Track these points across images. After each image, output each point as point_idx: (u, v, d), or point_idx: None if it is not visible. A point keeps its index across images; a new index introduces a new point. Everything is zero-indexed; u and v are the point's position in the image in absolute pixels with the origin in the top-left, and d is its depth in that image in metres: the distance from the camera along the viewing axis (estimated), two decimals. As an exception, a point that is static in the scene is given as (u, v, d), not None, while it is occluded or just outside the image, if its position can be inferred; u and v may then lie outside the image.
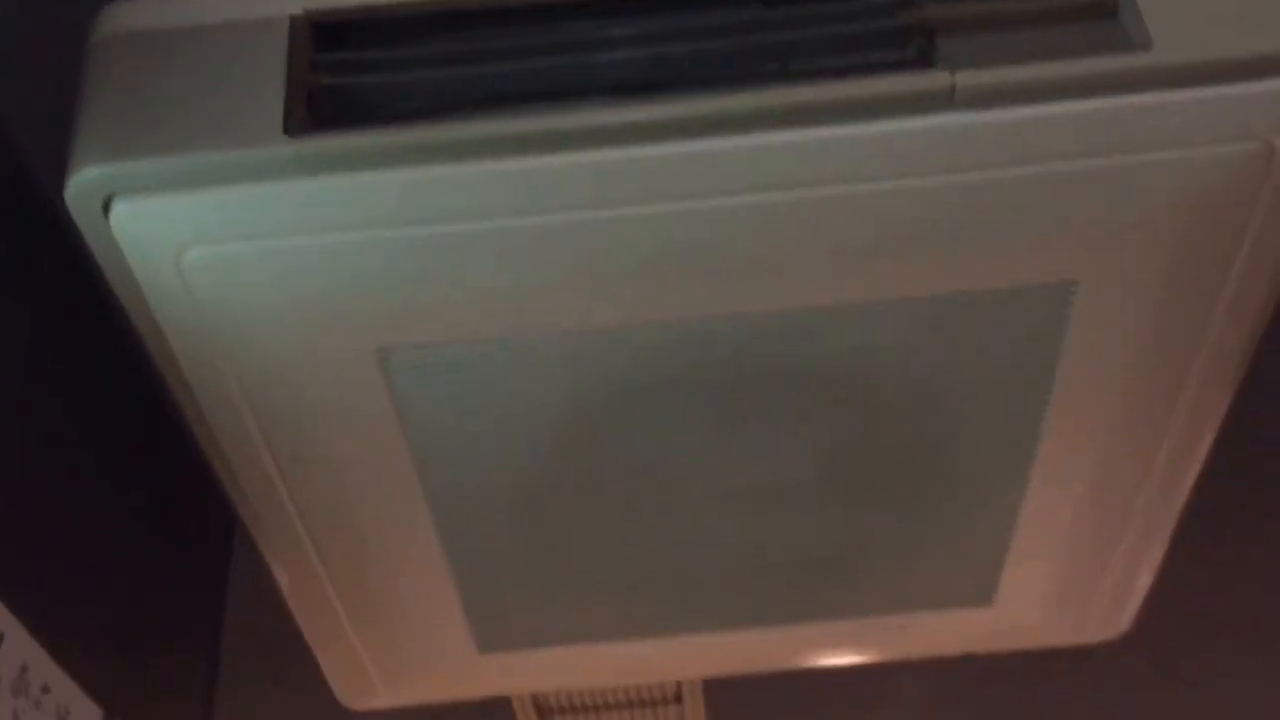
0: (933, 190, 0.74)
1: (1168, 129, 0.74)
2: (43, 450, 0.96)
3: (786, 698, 1.31)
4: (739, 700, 1.32)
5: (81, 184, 0.70)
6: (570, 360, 0.82)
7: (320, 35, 0.75)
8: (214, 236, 0.72)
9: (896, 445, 0.91)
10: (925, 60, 0.73)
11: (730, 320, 0.81)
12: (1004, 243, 0.78)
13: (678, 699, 1.36)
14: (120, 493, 1.08)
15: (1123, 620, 1.15)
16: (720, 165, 0.72)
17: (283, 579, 0.96)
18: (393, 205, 0.72)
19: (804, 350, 0.84)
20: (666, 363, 0.84)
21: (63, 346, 1.00)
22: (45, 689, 0.94)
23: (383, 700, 1.08)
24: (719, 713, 1.35)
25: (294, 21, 0.74)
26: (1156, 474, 0.99)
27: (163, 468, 1.13)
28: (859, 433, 0.90)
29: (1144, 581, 1.11)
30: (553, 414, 0.85)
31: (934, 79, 0.71)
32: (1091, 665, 1.21)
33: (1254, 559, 1.19)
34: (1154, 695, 1.26)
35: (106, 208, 0.71)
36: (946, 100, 0.72)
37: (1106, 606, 1.13)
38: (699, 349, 0.83)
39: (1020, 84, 0.72)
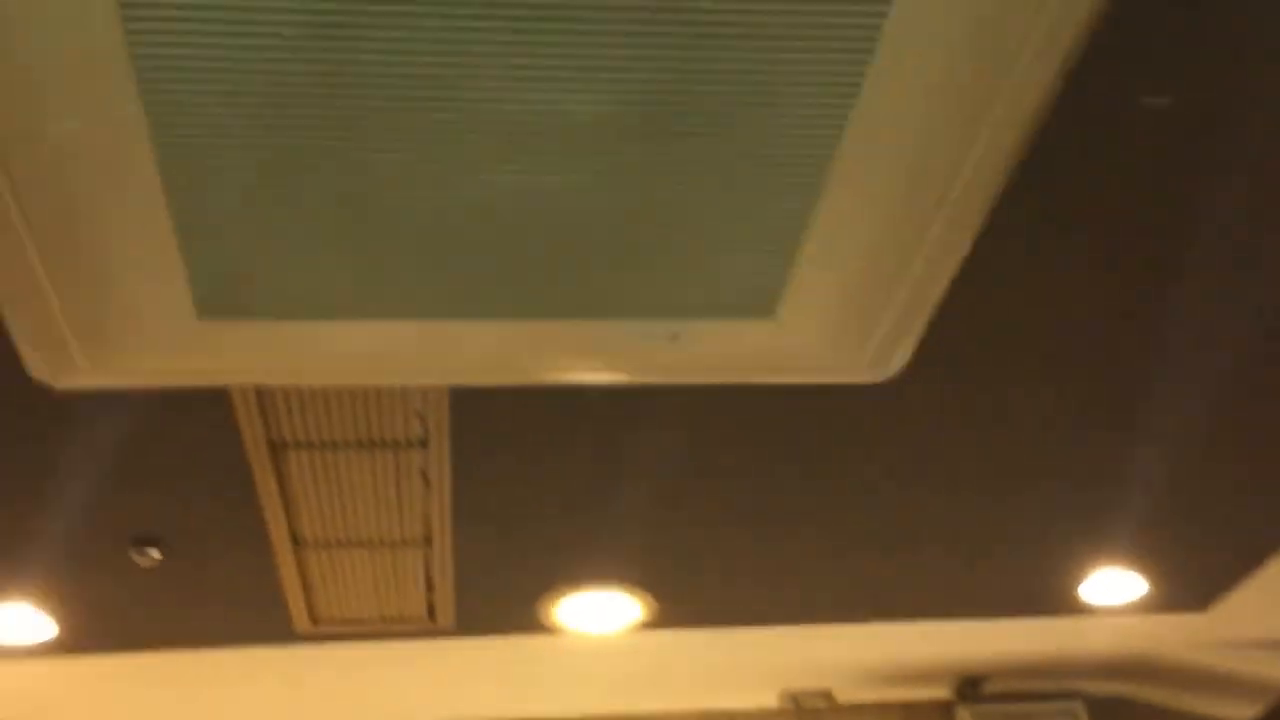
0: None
1: None
2: None
3: (535, 444, 1.23)
4: (483, 448, 1.24)
5: None
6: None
7: None
8: None
9: (705, 84, 0.83)
10: None
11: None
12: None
13: (423, 443, 1.27)
14: None
15: (897, 361, 1.09)
16: None
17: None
18: None
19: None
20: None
21: None
22: None
23: (86, 377, 0.96)
24: (464, 459, 1.26)
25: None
26: (949, 205, 0.94)
27: None
28: (671, 63, 0.81)
29: (921, 322, 1.05)
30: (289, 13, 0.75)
31: None
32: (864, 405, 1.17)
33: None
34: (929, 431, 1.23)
35: None
36: None
37: (884, 343, 1.06)
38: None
39: None
